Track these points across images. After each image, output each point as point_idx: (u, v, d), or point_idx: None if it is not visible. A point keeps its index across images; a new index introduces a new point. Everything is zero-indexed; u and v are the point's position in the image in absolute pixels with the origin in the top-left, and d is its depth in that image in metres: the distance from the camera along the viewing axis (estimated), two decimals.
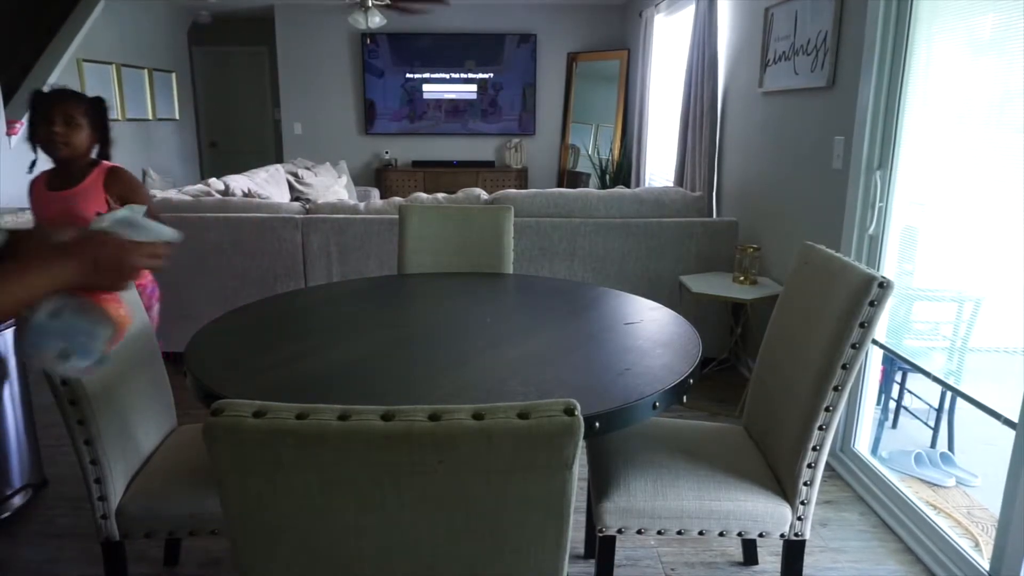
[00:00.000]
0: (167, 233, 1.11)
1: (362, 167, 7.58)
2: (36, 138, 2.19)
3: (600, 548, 1.72)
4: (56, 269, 0.98)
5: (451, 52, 7.33)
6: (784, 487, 1.68)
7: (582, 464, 1.46)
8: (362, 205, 3.61)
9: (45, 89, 2.27)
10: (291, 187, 5.20)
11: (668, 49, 5.49)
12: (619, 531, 1.66)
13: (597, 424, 1.28)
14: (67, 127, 2.17)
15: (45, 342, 1.03)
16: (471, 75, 7.40)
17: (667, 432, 1.89)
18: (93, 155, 2.31)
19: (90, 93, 2.33)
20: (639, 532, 1.66)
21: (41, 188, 2.28)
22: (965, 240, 2.19)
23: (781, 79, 3.25)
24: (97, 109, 2.26)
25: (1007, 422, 1.84)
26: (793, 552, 1.71)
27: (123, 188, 2.28)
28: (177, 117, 7.31)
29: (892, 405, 3.14)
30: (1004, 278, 2.01)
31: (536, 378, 1.47)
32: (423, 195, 3.65)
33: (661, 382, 1.43)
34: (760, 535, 1.68)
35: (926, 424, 2.96)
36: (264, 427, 0.86)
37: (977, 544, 2.24)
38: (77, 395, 1.53)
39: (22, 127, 4.76)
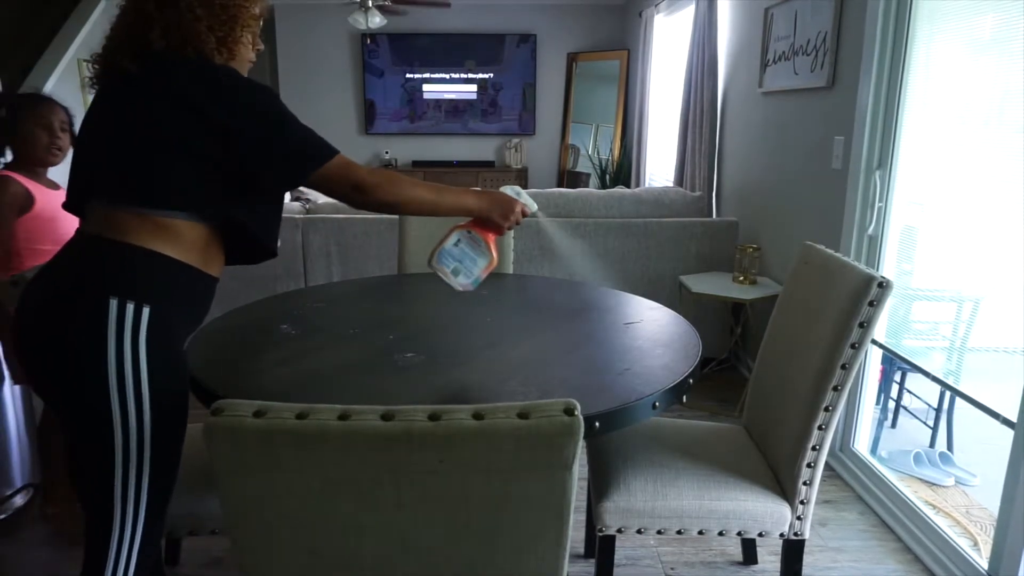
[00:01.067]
0: (533, 205, 1.62)
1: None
2: (24, 143, 2.16)
3: (600, 548, 1.72)
4: (473, 199, 1.57)
5: (451, 52, 7.32)
6: (784, 487, 1.69)
7: (582, 464, 1.47)
8: None
9: (25, 93, 2.27)
10: None
11: (668, 49, 5.49)
12: (619, 531, 1.66)
13: (597, 424, 1.29)
14: (65, 134, 2.19)
15: (446, 261, 1.58)
16: (471, 75, 7.40)
17: (667, 432, 1.89)
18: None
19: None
20: (639, 532, 1.67)
21: (40, 185, 2.22)
22: (964, 240, 2.19)
23: (781, 79, 3.25)
24: (70, 115, 2.27)
25: (1006, 422, 1.84)
26: (793, 552, 1.71)
27: None
28: None
29: (891, 405, 3.14)
30: (1003, 278, 2.02)
31: (536, 378, 1.47)
32: None
33: (661, 382, 1.43)
34: (760, 535, 1.68)
35: (925, 424, 2.97)
36: (264, 427, 0.86)
37: (976, 543, 2.24)
38: None
39: None
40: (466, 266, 1.59)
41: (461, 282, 1.59)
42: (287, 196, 5.04)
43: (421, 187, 1.50)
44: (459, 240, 1.59)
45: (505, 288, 2.32)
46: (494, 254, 1.61)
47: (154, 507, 1.36)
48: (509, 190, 1.63)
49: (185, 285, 1.36)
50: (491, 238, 1.60)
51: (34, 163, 2.21)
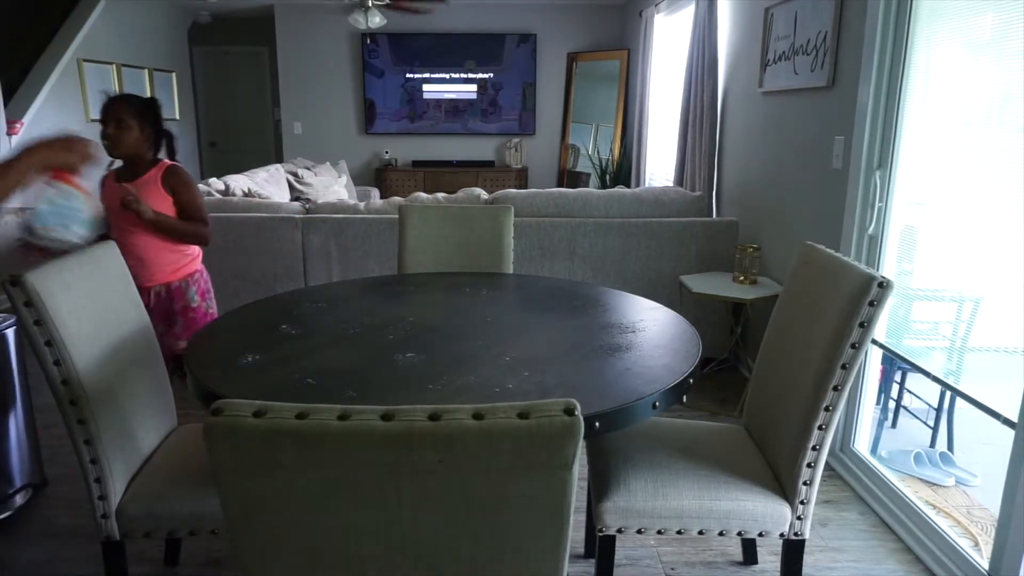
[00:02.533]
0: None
1: (362, 167, 7.58)
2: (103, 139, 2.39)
3: (600, 548, 1.72)
4: (22, 160, 1.33)
5: (451, 52, 7.32)
6: (784, 487, 1.68)
7: (582, 464, 1.47)
8: (362, 205, 3.61)
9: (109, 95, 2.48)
10: (291, 187, 5.20)
11: (668, 49, 5.49)
12: (619, 531, 1.66)
13: (597, 424, 1.29)
14: (117, 129, 2.35)
15: (50, 222, 1.42)
16: (471, 75, 7.40)
17: (667, 432, 1.89)
18: (161, 155, 2.51)
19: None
20: (639, 532, 1.67)
21: (110, 180, 2.46)
22: (965, 240, 2.19)
23: (781, 79, 3.25)
24: (149, 110, 2.43)
25: (1006, 422, 1.84)
26: (793, 552, 1.71)
27: (176, 183, 2.47)
28: (177, 117, 7.31)
29: (892, 405, 3.14)
30: (1004, 278, 2.02)
31: (536, 378, 1.47)
32: (423, 195, 3.65)
33: (661, 382, 1.43)
34: (760, 535, 1.68)
35: (925, 424, 2.96)
36: (264, 427, 0.86)
37: (976, 544, 2.24)
38: (77, 395, 1.53)
39: (23, 127, 4.76)
40: (72, 216, 1.45)
41: (78, 232, 1.46)
42: (287, 196, 5.04)
43: None
44: (47, 199, 1.43)
45: (505, 288, 2.32)
46: (84, 189, 1.49)
47: None
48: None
49: None
50: (71, 180, 1.47)
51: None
